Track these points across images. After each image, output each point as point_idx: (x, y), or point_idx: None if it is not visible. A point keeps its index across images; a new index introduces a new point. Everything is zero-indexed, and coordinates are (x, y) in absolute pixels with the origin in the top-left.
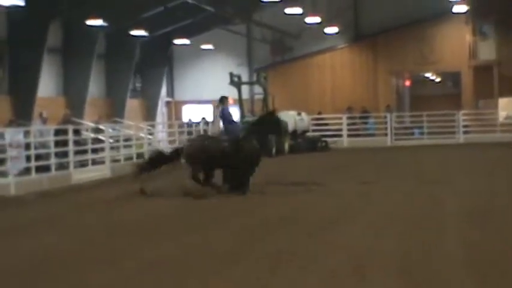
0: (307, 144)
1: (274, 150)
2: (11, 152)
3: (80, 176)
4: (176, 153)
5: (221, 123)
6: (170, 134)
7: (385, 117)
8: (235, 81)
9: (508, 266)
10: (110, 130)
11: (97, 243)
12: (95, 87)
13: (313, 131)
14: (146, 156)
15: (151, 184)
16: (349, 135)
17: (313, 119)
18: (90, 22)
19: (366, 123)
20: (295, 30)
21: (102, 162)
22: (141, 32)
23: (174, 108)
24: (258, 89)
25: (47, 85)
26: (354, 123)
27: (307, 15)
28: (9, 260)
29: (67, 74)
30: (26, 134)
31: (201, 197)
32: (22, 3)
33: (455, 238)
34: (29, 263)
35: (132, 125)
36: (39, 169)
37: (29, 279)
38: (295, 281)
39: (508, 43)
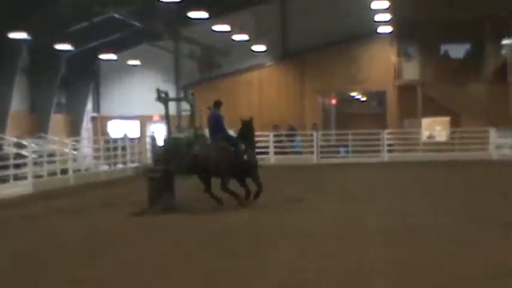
0: None
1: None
2: None
3: (1, 191)
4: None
5: (208, 130)
6: (95, 150)
7: (311, 135)
8: (163, 97)
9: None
10: (33, 145)
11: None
12: (18, 102)
13: None
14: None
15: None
16: (275, 153)
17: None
18: (13, 35)
19: (292, 141)
20: (224, 47)
21: (25, 178)
22: (66, 46)
23: (99, 124)
24: (185, 105)
25: None
26: (280, 141)
27: (235, 33)
28: None
29: None
30: None
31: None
32: None
33: (376, 255)
34: None
35: (56, 140)
36: None
37: None
38: None
39: (431, 64)
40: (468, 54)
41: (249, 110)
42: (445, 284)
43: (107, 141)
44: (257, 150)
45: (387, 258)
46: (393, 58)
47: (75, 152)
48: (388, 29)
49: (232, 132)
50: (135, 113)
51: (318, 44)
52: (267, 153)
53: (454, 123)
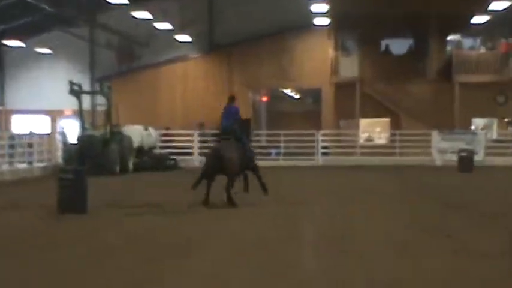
0: (154, 162)
1: (118, 168)
2: None
3: None
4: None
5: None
6: None
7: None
8: (75, 90)
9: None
10: None
11: None
12: None
13: (161, 148)
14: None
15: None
16: (201, 154)
17: (161, 135)
18: None
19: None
20: (144, 37)
21: None
22: None
23: (3, 118)
24: (101, 99)
25: None
26: (206, 141)
27: (157, 21)
28: None
29: None
30: None
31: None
32: None
33: (312, 262)
34: None
35: None
36: None
37: None
38: None
39: (371, 60)
40: (411, 51)
41: (172, 105)
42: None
43: (12, 138)
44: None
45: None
46: (330, 52)
47: None
48: (325, 20)
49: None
50: (44, 106)
51: (249, 35)
52: (191, 153)
53: (395, 125)
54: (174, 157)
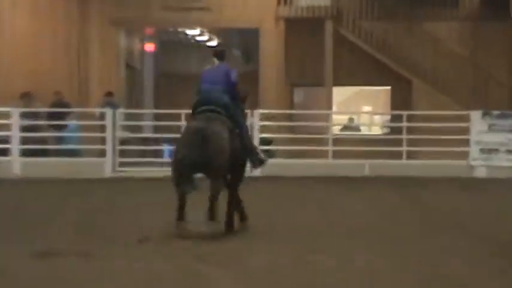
0: None
1: None
2: None
3: None
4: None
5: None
6: None
7: (103, 117)
8: None
9: None
10: None
11: None
12: None
13: None
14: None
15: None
16: (25, 153)
17: None
18: None
19: (60, 127)
20: None
21: None
22: None
23: None
24: None
25: None
26: (37, 128)
27: None
28: None
29: None
30: None
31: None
32: None
33: None
34: None
35: None
36: None
37: None
38: None
39: None
40: None
41: None
42: None
43: None
44: None
45: None
46: None
47: None
48: None
49: None
50: None
51: None
52: (5, 152)
53: (401, 99)
54: None
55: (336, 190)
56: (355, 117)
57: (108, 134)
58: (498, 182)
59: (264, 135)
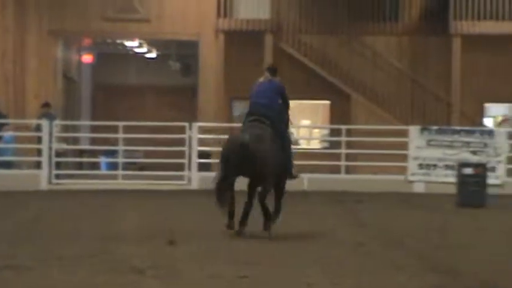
0: None
1: None
2: None
3: None
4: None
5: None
6: None
7: (38, 129)
8: None
9: None
10: None
11: None
12: None
13: None
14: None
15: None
16: None
17: None
18: None
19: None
20: None
21: None
22: None
23: None
24: None
25: None
26: None
27: None
28: None
29: None
30: None
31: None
32: None
33: None
34: None
35: None
36: None
37: None
38: None
39: None
40: None
41: None
42: None
43: None
44: None
45: None
46: None
47: None
48: None
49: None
50: None
51: None
52: None
53: (340, 113)
54: None
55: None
56: (294, 131)
57: (44, 146)
58: (436, 197)
59: (202, 148)
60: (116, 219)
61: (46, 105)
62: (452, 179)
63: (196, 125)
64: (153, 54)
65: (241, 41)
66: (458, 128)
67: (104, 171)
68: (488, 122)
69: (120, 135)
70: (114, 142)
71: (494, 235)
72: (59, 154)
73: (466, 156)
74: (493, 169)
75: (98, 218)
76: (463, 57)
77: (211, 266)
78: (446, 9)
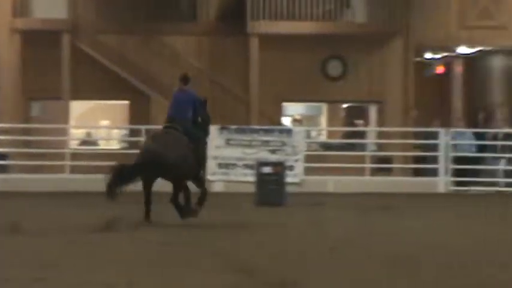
0: None
1: None
2: None
3: None
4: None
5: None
6: None
7: None
8: None
9: None
10: None
11: None
12: None
13: None
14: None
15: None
16: None
17: None
18: None
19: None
20: None
21: None
22: None
23: None
24: None
25: None
26: None
27: None
28: None
29: None
30: None
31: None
32: None
33: None
34: None
35: None
36: None
37: None
38: None
39: None
40: None
41: None
42: None
43: None
44: None
45: None
46: None
47: None
48: None
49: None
50: None
51: None
52: None
53: (140, 112)
54: None
55: (69, 206)
56: (93, 131)
57: None
58: (235, 196)
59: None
60: None
61: None
62: (252, 178)
63: None
64: None
65: (38, 41)
66: (257, 127)
67: None
68: (286, 121)
69: None
70: None
71: (291, 232)
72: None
73: (265, 155)
74: (291, 168)
75: None
76: (260, 56)
77: (7, 268)
78: (243, 10)
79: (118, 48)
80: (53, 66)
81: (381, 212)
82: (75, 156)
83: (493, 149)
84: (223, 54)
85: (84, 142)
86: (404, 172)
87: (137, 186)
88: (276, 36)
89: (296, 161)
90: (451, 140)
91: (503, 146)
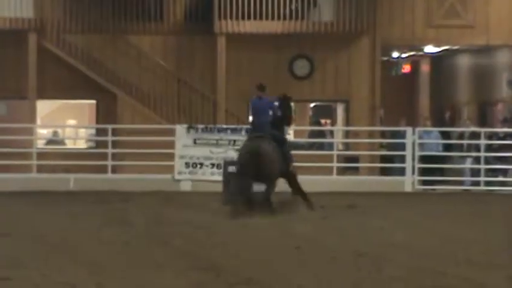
0: None
1: None
2: None
3: None
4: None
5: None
6: None
7: None
8: None
9: None
10: None
11: None
12: None
13: None
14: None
15: None
16: None
17: None
18: None
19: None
20: None
21: None
22: None
23: None
24: None
25: None
26: None
27: None
28: None
29: None
30: None
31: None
32: None
33: None
34: None
35: None
36: None
37: None
38: None
39: None
40: None
41: None
42: None
43: None
44: None
45: None
46: None
47: None
48: None
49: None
50: None
51: None
52: None
53: (107, 112)
54: None
55: (36, 205)
56: (59, 130)
57: None
58: (202, 196)
59: None
60: None
61: None
62: (219, 177)
63: None
64: None
65: (4, 40)
66: (224, 126)
67: None
68: None
69: None
70: None
71: (257, 232)
72: None
73: (232, 154)
74: None
75: None
76: (227, 56)
77: None
78: (210, 9)
79: (84, 48)
80: (19, 66)
81: (347, 211)
82: (41, 155)
83: (460, 148)
84: (190, 54)
85: (50, 141)
86: (371, 171)
87: (104, 186)
88: (243, 35)
89: None
90: (418, 139)
91: (469, 145)
